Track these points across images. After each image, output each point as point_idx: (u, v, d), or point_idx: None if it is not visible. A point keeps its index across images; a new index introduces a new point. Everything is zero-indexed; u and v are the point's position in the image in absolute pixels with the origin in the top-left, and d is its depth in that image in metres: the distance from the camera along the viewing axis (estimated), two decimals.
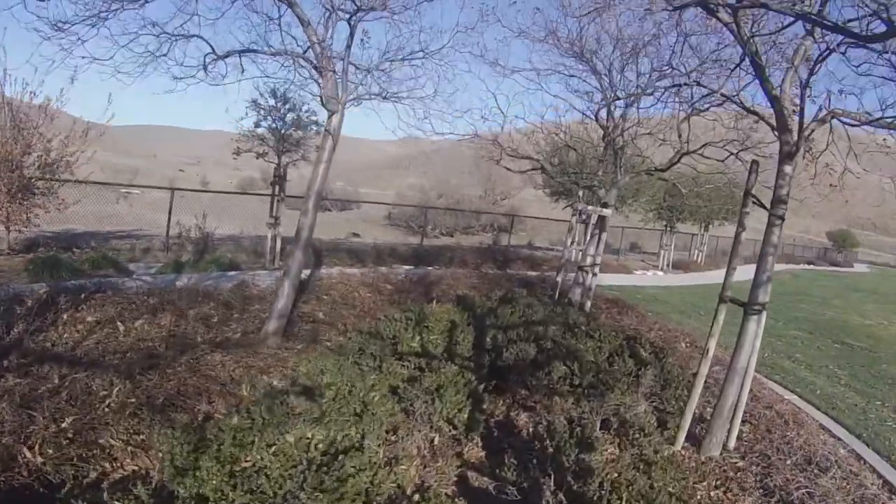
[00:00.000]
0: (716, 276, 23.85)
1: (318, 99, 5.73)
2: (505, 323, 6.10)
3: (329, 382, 4.45)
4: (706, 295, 16.52)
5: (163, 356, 4.71)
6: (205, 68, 7.71)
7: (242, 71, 7.88)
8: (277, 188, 12.05)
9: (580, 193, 9.84)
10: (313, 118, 11.98)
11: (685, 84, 6.31)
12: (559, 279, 9.36)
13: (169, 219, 12.64)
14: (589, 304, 9.52)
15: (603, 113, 9.86)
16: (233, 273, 10.45)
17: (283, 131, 11.72)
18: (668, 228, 23.19)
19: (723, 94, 6.12)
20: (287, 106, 11.51)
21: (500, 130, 9.77)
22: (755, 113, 6.01)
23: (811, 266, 41.81)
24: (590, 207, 9.37)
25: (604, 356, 6.17)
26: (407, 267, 13.98)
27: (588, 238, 9.87)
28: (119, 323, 5.28)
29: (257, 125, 11.41)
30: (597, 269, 9.58)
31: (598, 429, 5.04)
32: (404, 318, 5.35)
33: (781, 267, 35.21)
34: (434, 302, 6.72)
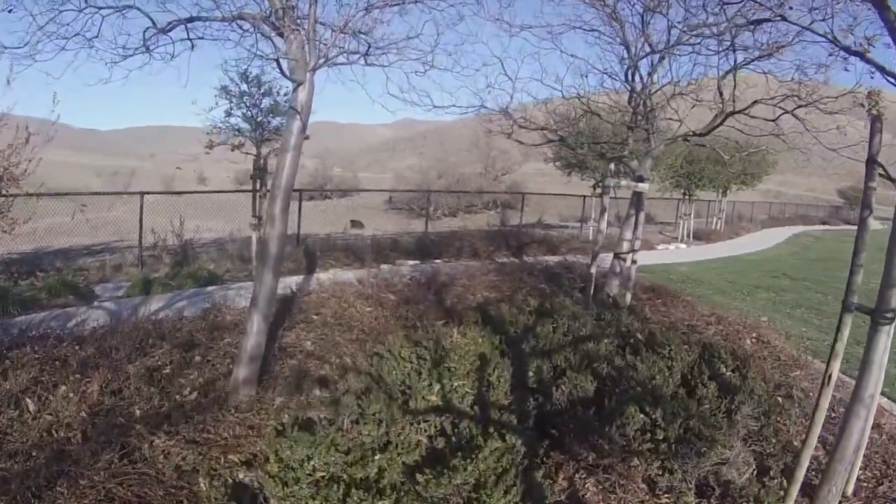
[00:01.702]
0: (741, 244, 22.40)
1: (277, 66, 4.25)
2: (548, 346, 4.68)
3: (313, 475, 3.04)
4: (741, 269, 15.06)
5: (78, 455, 3.26)
6: (146, 47, 6.20)
7: (192, 47, 6.40)
8: (258, 182, 10.58)
9: (611, 167, 8.34)
10: None
11: (765, 20, 4.78)
12: (593, 270, 7.91)
13: (140, 228, 11.19)
14: (629, 296, 8.09)
15: (630, 72, 8.31)
16: (211, 288, 9.01)
17: (259, 119, 10.26)
18: (687, 197, 21.64)
19: (809, 30, 4.60)
20: (261, 90, 10.02)
21: (510, 100, 8.26)
22: (857, 54, 4.51)
23: (826, 226, 40.34)
24: (623, 182, 7.88)
25: (676, 379, 4.77)
26: (412, 262, 12.52)
27: (618, 217, 8.44)
28: (27, 399, 3.84)
29: (228, 114, 9.93)
30: (635, 256, 8.13)
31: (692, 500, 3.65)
32: (416, 357, 3.94)
33: (799, 229, 33.74)
34: (453, 323, 5.27)
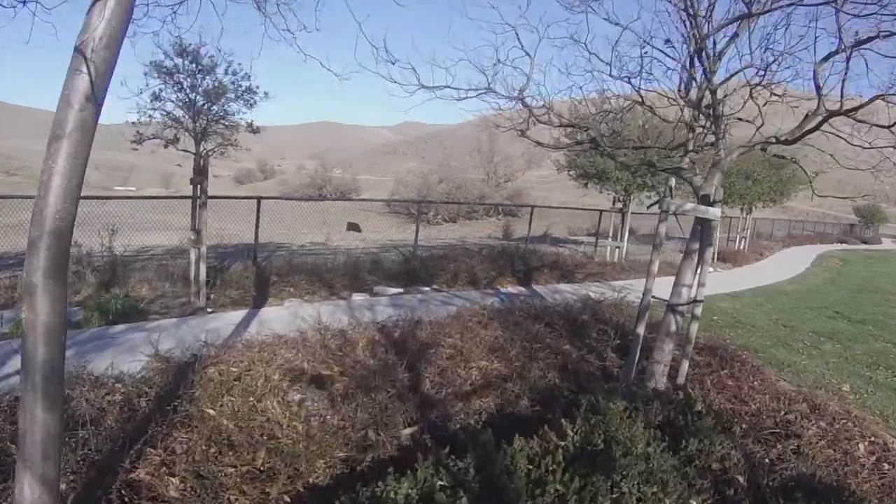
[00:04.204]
0: (770, 269, 19.96)
1: None
2: None
3: None
4: (788, 306, 12.58)
5: None
6: None
7: None
8: (198, 188, 8.21)
9: (672, 184, 6.02)
10: (244, 83, 8.09)
11: None
12: (640, 331, 5.55)
13: None
14: (686, 366, 5.73)
15: (694, 51, 5.96)
16: (120, 328, 6.64)
17: (199, 105, 7.92)
18: None
19: None
20: (199, 67, 7.70)
21: (525, 82, 5.89)
22: None
23: (844, 245, 38.25)
24: (689, 206, 5.54)
25: None
26: (394, 290, 10.11)
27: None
28: None
29: (156, 97, 7.54)
30: (698, 310, 5.76)
31: None
32: None
33: (820, 248, 31.38)
34: (425, 451, 2.89)
